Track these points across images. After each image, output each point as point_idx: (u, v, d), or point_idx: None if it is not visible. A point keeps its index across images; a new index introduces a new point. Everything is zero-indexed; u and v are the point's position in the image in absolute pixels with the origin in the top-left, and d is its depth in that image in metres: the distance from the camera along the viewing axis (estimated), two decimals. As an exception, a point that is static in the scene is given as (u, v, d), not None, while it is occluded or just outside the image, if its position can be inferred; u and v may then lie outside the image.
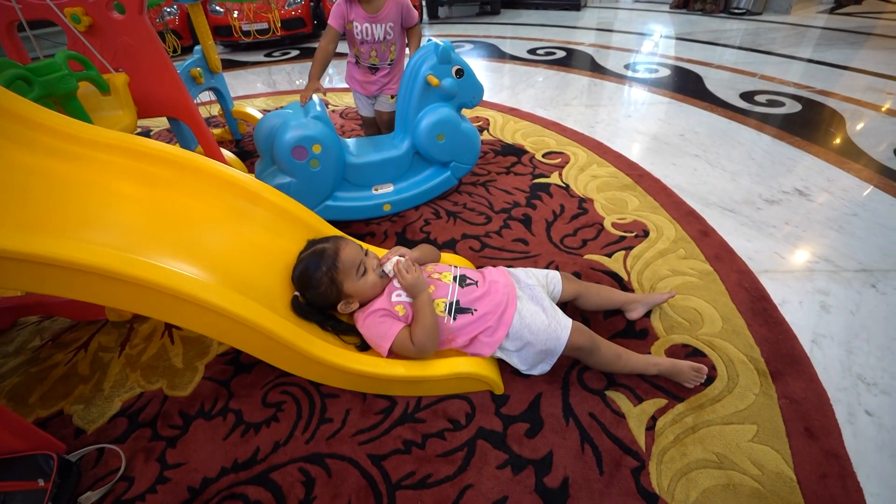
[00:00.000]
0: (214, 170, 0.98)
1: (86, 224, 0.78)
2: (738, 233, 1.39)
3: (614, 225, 1.44)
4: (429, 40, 1.41)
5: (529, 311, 0.95)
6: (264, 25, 3.82)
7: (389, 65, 1.63)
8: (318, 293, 0.91)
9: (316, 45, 3.98)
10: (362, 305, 0.95)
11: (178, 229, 0.86)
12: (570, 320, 0.94)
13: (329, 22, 1.54)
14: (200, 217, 0.92)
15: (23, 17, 1.25)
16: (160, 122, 2.52)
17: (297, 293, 0.94)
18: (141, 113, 1.43)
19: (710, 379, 0.96)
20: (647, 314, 1.11)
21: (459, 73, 1.39)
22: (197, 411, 0.96)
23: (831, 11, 4.03)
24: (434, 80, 1.35)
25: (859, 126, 2.00)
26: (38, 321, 1.23)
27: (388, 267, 0.95)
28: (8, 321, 1.20)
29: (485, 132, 2.09)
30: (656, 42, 3.52)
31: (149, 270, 0.69)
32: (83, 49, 1.34)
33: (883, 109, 2.13)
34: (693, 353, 1.01)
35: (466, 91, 1.42)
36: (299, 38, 4.16)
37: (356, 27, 1.52)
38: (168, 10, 3.67)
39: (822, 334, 1.06)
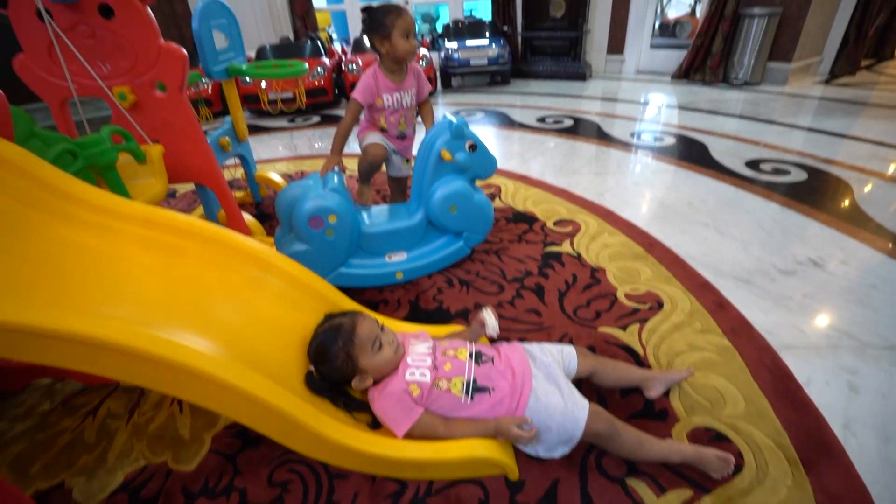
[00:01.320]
0: (235, 241, 1.01)
1: (108, 298, 0.80)
2: (755, 305, 1.38)
3: (627, 296, 1.43)
4: (444, 116, 1.49)
5: (545, 391, 0.93)
6: (289, 94, 4.08)
7: (413, 131, 1.73)
8: (334, 368, 0.91)
9: (336, 112, 4.23)
10: (376, 382, 0.94)
11: (197, 302, 0.88)
12: (588, 402, 0.91)
13: (355, 96, 1.57)
14: (219, 289, 0.94)
15: (76, 96, 1.35)
16: (186, 185, 2.63)
17: (311, 368, 0.93)
18: (172, 179, 1.51)
19: (738, 467, 0.91)
20: (666, 393, 1.08)
21: (472, 147, 1.45)
22: (200, 489, 0.93)
23: (826, 82, 4.21)
24: (447, 155, 1.42)
25: (867, 194, 2.02)
26: (50, 383, 1.23)
27: (492, 325, 1.07)
28: (21, 383, 1.20)
29: (496, 199, 2.14)
30: (660, 111, 3.67)
31: (164, 346, 0.69)
32: (125, 122, 1.45)
33: (887, 177, 2.16)
34: (716, 438, 0.97)
35: (479, 164, 1.49)
36: (321, 105, 4.41)
37: (386, 99, 1.58)
38: (203, 80, 3.96)
39: (853, 419, 1.01)
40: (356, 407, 0.95)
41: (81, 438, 1.06)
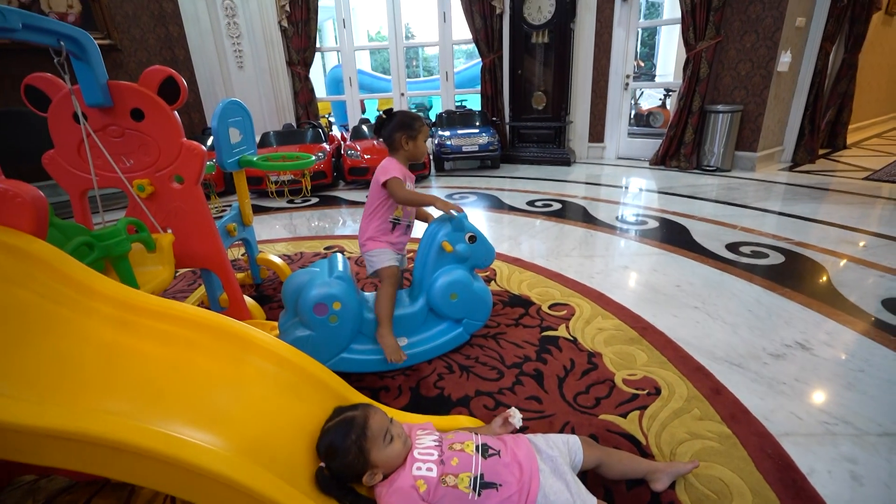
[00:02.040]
0: (245, 334, 1.03)
1: (122, 393, 0.81)
2: (750, 390, 1.40)
3: (625, 381, 1.45)
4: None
5: (553, 488, 0.93)
6: (291, 177, 4.28)
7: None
8: (346, 463, 0.90)
9: (335, 193, 4.44)
10: (384, 476, 0.93)
11: (209, 396, 0.89)
12: (595, 498, 0.91)
13: (396, 175, 1.51)
14: (229, 382, 0.95)
15: (97, 187, 1.44)
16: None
17: (322, 465, 0.92)
18: (179, 264, 1.56)
19: (752, 568, 0.89)
20: (672, 485, 1.07)
21: (472, 239, 1.55)
22: None
23: (790, 169, 4.56)
24: (448, 247, 1.50)
25: (842, 277, 2.13)
26: (33, 480, 1.17)
27: (518, 420, 1.10)
28: (5, 479, 1.15)
29: (492, 283, 2.21)
30: (641, 195, 3.92)
31: (169, 443, 0.69)
32: (140, 213, 1.52)
33: (857, 259, 2.29)
34: (728, 535, 0.95)
35: (479, 254, 1.57)
36: (320, 187, 4.62)
37: (409, 186, 1.59)
38: (210, 162, 4.16)
39: (860, 512, 1.01)
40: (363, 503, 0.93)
41: (64, 544, 0.99)
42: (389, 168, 1.55)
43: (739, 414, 1.30)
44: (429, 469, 0.93)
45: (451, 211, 1.55)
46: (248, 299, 1.96)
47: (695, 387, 1.41)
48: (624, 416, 1.31)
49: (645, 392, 1.40)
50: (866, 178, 4.09)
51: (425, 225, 1.67)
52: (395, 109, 1.69)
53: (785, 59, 4.20)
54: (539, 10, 4.89)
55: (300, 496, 0.76)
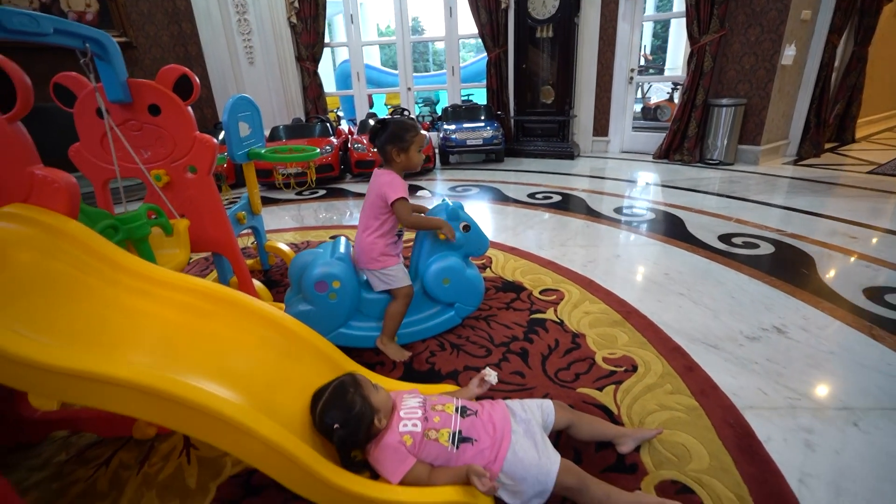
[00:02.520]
0: (253, 306, 1.16)
1: (145, 350, 0.94)
2: (722, 369, 1.49)
3: (605, 360, 1.55)
4: (443, 200, 1.70)
5: (522, 446, 1.03)
6: (299, 170, 4.42)
7: None
8: (357, 414, 1.00)
9: (341, 186, 4.57)
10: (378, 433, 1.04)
11: (220, 356, 1.01)
12: (559, 456, 1.01)
13: (403, 196, 1.53)
14: (238, 346, 1.07)
15: (119, 177, 1.57)
16: (200, 252, 2.82)
17: (336, 425, 1.00)
18: (193, 248, 1.68)
19: (701, 517, 0.99)
20: (637, 449, 1.17)
21: (466, 228, 1.65)
22: (204, 535, 1.00)
23: (795, 163, 4.57)
24: (442, 235, 1.61)
25: (828, 267, 2.19)
26: (66, 436, 1.31)
27: (493, 378, 1.20)
28: (39, 435, 1.29)
29: (487, 270, 2.31)
30: (641, 188, 3.98)
31: (186, 389, 0.82)
32: (158, 200, 1.65)
33: (846, 251, 2.35)
34: (682, 490, 1.05)
35: (472, 243, 1.68)
36: (328, 179, 4.75)
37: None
38: (221, 155, 4.31)
39: (808, 473, 1.10)
40: (358, 468, 1.03)
41: (94, 488, 1.13)
42: (395, 185, 1.52)
43: (709, 389, 1.39)
44: (413, 425, 1.04)
45: (448, 232, 1.56)
46: (256, 283, 2.09)
47: (670, 365, 1.51)
48: (600, 389, 1.41)
49: (622, 369, 1.50)
50: (870, 172, 4.09)
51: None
52: (389, 118, 1.61)
53: (789, 53, 4.20)
54: (544, 4, 4.93)
55: (297, 441, 0.88)
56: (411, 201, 1.58)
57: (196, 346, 1.01)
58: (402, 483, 0.98)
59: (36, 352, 0.74)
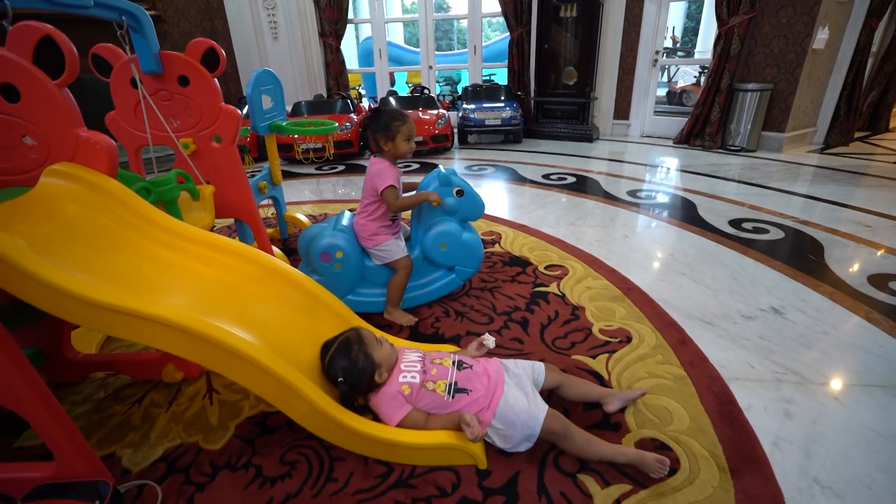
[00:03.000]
0: (269, 262, 1.27)
1: (176, 294, 1.06)
2: (714, 343, 1.55)
3: (601, 331, 1.62)
4: (437, 167, 1.77)
5: (514, 396, 1.13)
6: (319, 145, 4.53)
7: None
8: (359, 369, 1.12)
9: (360, 162, 4.66)
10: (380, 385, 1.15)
11: (241, 304, 1.13)
12: (547, 405, 1.10)
13: (391, 184, 1.60)
14: (257, 297, 1.19)
15: (151, 144, 1.69)
16: (224, 220, 2.97)
17: (340, 378, 1.12)
18: (218, 214, 1.80)
19: (674, 470, 1.07)
20: (623, 409, 1.25)
21: (460, 193, 1.72)
22: (224, 463, 1.13)
23: (821, 151, 4.45)
24: (437, 200, 1.67)
25: (837, 254, 2.20)
26: (104, 377, 1.46)
27: (491, 342, 1.27)
28: (80, 375, 1.44)
29: (496, 245, 2.39)
30: (657, 172, 3.96)
31: (214, 329, 0.93)
32: (186, 167, 1.77)
33: (856, 238, 2.34)
34: (660, 447, 1.13)
35: (467, 207, 1.74)
36: (347, 156, 4.85)
37: (399, 182, 1.70)
38: (245, 128, 4.44)
39: (783, 438, 1.16)
40: (360, 411, 1.15)
41: (129, 421, 1.27)
42: (384, 174, 1.60)
43: (698, 361, 1.45)
44: (412, 377, 1.15)
45: (435, 198, 1.63)
46: (276, 250, 2.21)
47: (664, 338, 1.57)
48: (594, 357, 1.49)
49: (617, 340, 1.57)
50: (898, 162, 3.98)
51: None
52: (381, 108, 1.71)
53: (822, 36, 4.06)
54: (568, -18, 4.85)
55: (307, 381, 0.99)
56: (410, 179, 1.66)
57: (220, 296, 1.12)
58: (400, 426, 1.09)
59: (85, 288, 0.86)
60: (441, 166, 1.77)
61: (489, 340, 1.27)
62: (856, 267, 2.07)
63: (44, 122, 1.02)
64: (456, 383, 1.14)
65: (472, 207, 1.75)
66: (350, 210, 1.85)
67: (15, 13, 1.00)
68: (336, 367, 1.14)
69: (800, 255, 2.21)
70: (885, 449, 1.13)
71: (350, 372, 1.12)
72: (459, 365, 1.18)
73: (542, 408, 1.09)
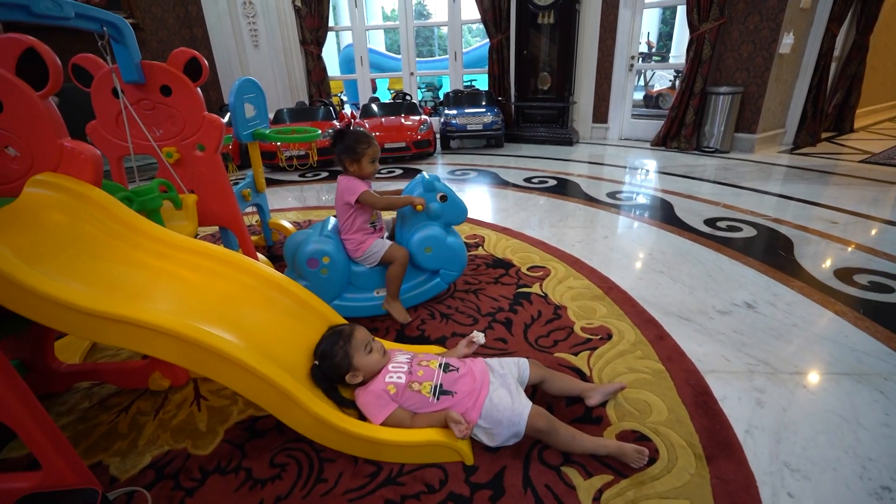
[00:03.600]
0: (256, 267, 1.28)
1: (162, 301, 1.06)
2: (691, 338, 1.61)
3: (583, 329, 1.67)
4: (420, 174, 1.81)
5: (499, 395, 1.16)
6: (302, 152, 4.53)
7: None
8: (333, 363, 1.15)
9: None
10: (364, 382, 1.17)
11: (228, 309, 1.14)
12: (531, 403, 1.14)
13: (365, 189, 1.65)
14: (242, 302, 1.20)
15: (133, 153, 1.68)
16: (208, 228, 2.95)
17: (316, 362, 1.17)
18: (202, 222, 1.81)
19: (653, 460, 1.11)
20: (604, 403, 1.30)
21: (443, 198, 1.76)
22: (214, 468, 1.13)
23: (791, 152, 4.63)
24: (421, 205, 1.71)
25: (805, 249, 2.30)
26: (89, 387, 1.45)
27: (480, 339, 1.32)
28: (64, 386, 1.43)
29: (479, 248, 2.43)
30: (636, 174, 4.06)
31: (202, 333, 0.95)
32: (169, 176, 1.77)
33: (824, 234, 2.44)
34: (640, 438, 1.18)
35: (451, 212, 1.78)
36: (330, 162, 4.85)
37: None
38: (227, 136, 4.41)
39: (755, 426, 1.22)
40: (344, 404, 1.18)
41: (116, 429, 1.27)
42: (353, 187, 1.65)
43: (676, 355, 1.51)
44: (398, 378, 1.17)
45: (419, 202, 1.70)
46: (261, 256, 2.22)
47: (643, 334, 1.63)
48: (576, 354, 1.53)
49: (598, 337, 1.62)
50: (863, 161, 4.16)
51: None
52: (346, 129, 1.72)
53: (787, 41, 4.23)
54: (546, -10, 4.95)
55: (296, 382, 1.01)
56: (393, 186, 1.70)
57: (207, 301, 1.13)
58: (385, 424, 1.11)
59: (73, 296, 0.87)
60: (424, 172, 1.80)
61: (479, 337, 1.30)
62: (824, 262, 2.16)
63: (27, 133, 1.03)
64: (441, 385, 1.17)
65: (455, 212, 1.79)
66: (333, 216, 1.87)
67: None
68: (318, 350, 1.20)
69: (771, 251, 2.30)
70: (850, 433, 1.19)
71: (325, 361, 1.18)
72: (446, 367, 1.21)
73: (525, 405, 1.13)
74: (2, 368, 0.84)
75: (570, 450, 1.12)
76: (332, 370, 1.16)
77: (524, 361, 1.29)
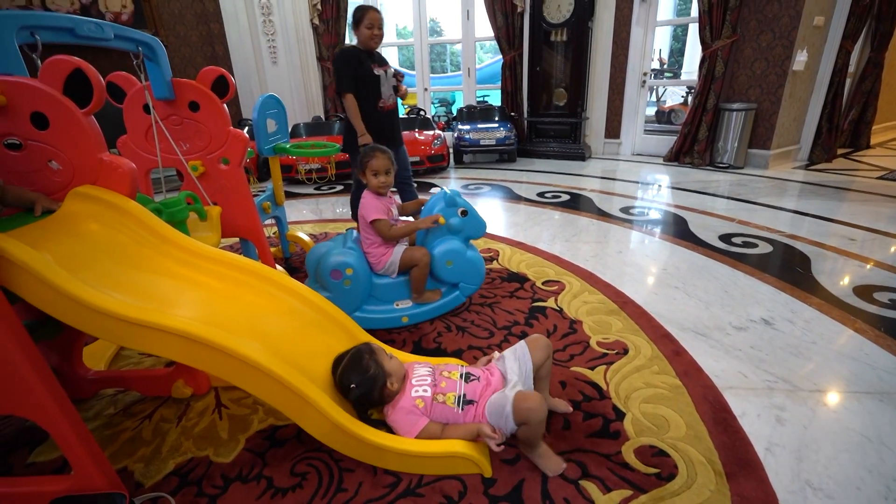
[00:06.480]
0: (279, 278, 1.32)
1: (192, 308, 1.10)
2: (708, 354, 1.60)
3: (599, 343, 1.67)
4: (441, 189, 1.84)
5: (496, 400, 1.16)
6: (318, 165, 4.61)
7: None
8: (371, 377, 1.16)
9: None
10: (391, 397, 1.19)
11: (252, 318, 1.17)
12: (514, 392, 1.13)
13: (376, 217, 1.72)
14: (268, 312, 1.23)
15: (161, 166, 1.75)
16: (228, 239, 3.01)
17: (353, 385, 1.15)
18: (224, 233, 1.86)
19: (672, 475, 1.11)
20: (621, 417, 1.30)
21: (464, 213, 1.79)
22: (236, 475, 1.15)
23: (806, 168, 4.60)
24: (441, 220, 1.75)
25: (823, 266, 2.28)
26: (114, 393, 1.49)
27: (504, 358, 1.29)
28: (90, 392, 1.47)
29: (494, 262, 2.45)
30: (649, 189, 4.06)
31: (227, 340, 0.97)
32: (194, 188, 1.82)
33: (841, 251, 2.42)
34: (658, 454, 1.18)
35: (470, 227, 1.82)
36: (347, 175, 4.93)
37: (393, 210, 1.82)
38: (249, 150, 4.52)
39: (776, 443, 1.21)
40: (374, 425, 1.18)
41: (140, 436, 1.30)
42: (368, 208, 1.73)
43: (693, 371, 1.50)
44: (424, 391, 1.19)
45: (438, 220, 1.76)
46: (278, 267, 2.26)
47: (659, 349, 1.62)
48: (592, 368, 1.53)
49: (614, 352, 1.62)
50: (880, 178, 4.11)
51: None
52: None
53: (801, 59, 4.24)
54: (558, 8, 5.04)
55: (318, 390, 1.03)
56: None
57: (232, 309, 1.16)
58: (418, 438, 1.13)
59: (108, 302, 0.90)
60: (445, 188, 1.84)
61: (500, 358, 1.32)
62: (842, 279, 2.14)
63: (70, 148, 1.08)
64: (464, 395, 1.18)
65: (475, 227, 1.82)
66: (354, 229, 1.91)
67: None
68: (348, 375, 1.18)
69: (788, 268, 2.29)
70: (873, 452, 1.18)
71: (363, 378, 1.16)
72: (467, 377, 1.23)
73: (508, 396, 1.12)
74: (43, 375, 0.87)
75: (528, 439, 1.12)
76: (372, 383, 1.16)
77: (524, 353, 1.26)
